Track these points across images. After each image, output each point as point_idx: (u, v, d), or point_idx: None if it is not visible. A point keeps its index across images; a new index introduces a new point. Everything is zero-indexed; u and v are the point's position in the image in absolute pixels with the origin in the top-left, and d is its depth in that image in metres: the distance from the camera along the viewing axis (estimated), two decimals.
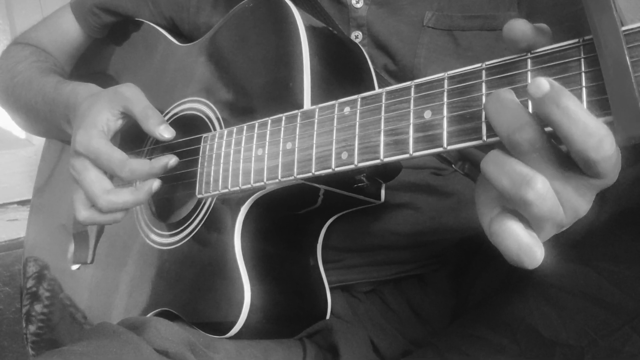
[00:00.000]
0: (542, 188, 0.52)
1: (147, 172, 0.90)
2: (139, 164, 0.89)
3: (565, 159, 0.52)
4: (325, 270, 0.99)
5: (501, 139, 0.53)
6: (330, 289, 0.99)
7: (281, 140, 0.78)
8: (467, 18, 0.98)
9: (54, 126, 1.09)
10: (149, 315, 0.96)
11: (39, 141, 1.51)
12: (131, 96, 0.94)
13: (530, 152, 0.52)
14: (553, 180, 0.53)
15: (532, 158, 0.52)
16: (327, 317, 0.98)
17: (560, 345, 0.81)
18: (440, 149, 0.60)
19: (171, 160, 0.91)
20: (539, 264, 0.54)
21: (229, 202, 0.89)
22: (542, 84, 0.50)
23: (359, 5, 0.99)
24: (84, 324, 1.12)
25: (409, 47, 0.99)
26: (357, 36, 1.00)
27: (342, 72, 0.90)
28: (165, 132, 0.92)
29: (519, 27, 0.54)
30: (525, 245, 0.54)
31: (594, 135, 0.48)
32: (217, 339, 0.87)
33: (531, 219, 0.55)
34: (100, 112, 0.94)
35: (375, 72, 0.96)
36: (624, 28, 0.48)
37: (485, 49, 0.97)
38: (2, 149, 1.84)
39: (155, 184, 0.91)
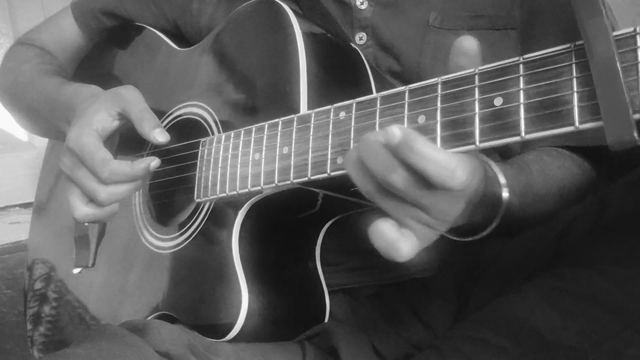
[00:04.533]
0: (368, 190, 0.63)
1: (127, 174, 0.89)
2: (120, 165, 0.89)
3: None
4: (327, 273, 0.99)
5: (377, 179, 0.61)
6: (332, 292, 0.99)
7: (278, 144, 0.78)
8: (472, 17, 0.98)
9: (54, 127, 1.09)
10: (149, 318, 0.96)
11: (41, 144, 1.52)
12: (130, 98, 0.94)
13: (402, 189, 0.59)
14: (424, 199, 0.60)
15: (405, 191, 0.60)
16: (326, 320, 0.97)
17: (563, 348, 0.80)
18: None
19: (153, 162, 0.90)
20: (407, 257, 0.62)
21: (227, 206, 0.89)
22: (395, 133, 0.57)
23: (363, 7, 0.99)
24: (92, 324, 1.13)
25: (414, 47, 0.99)
26: (361, 38, 1.00)
27: (339, 76, 0.90)
28: (160, 136, 0.91)
29: (470, 43, 0.60)
30: (390, 240, 0.62)
31: (447, 168, 0.56)
32: (216, 342, 0.87)
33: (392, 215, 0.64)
34: (97, 112, 0.94)
35: (379, 74, 0.96)
36: (614, 33, 0.48)
37: (489, 48, 0.96)
38: (4, 152, 1.85)
39: (154, 162, 0.91)
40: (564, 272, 0.86)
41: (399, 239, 0.62)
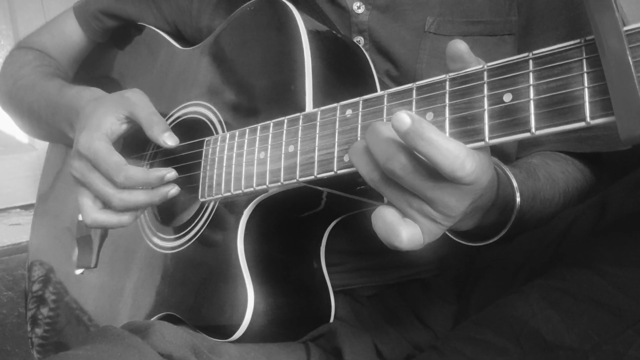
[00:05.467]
0: (373, 179, 0.63)
1: (142, 181, 0.90)
2: (136, 172, 0.90)
3: (436, 172, 0.59)
4: (329, 274, 0.99)
5: (380, 167, 0.61)
6: (334, 292, 0.99)
7: (283, 143, 0.78)
8: (468, 23, 0.98)
9: (56, 130, 1.10)
10: (153, 319, 0.96)
11: (42, 146, 1.51)
12: (137, 101, 0.95)
13: (403, 176, 0.60)
14: (429, 191, 0.60)
15: (407, 179, 0.60)
16: (331, 320, 0.97)
17: (564, 349, 0.80)
18: None
19: (169, 173, 0.91)
20: (405, 244, 0.62)
21: (232, 205, 0.89)
22: (404, 120, 0.56)
23: (360, 11, 1.00)
24: (90, 326, 1.12)
25: (410, 52, 0.99)
26: (358, 42, 1.00)
27: (345, 74, 0.90)
28: (169, 140, 0.92)
29: (460, 46, 0.61)
30: (391, 223, 0.62)
31: (458, 157, 0.56)
32: (220, 343, 0.87)
33: (397, 206, 0.64)
34: (105, 115, 0.94)
35: (378, 77, 0.96)
36: (626, 28, 0.48)
37: (485, 54, 0.96)
38: (5, 154, 1.84)
39: (173, 190, 0.93)
40: (565, 273, 0.86)
41: (399, 223, 0.62)
